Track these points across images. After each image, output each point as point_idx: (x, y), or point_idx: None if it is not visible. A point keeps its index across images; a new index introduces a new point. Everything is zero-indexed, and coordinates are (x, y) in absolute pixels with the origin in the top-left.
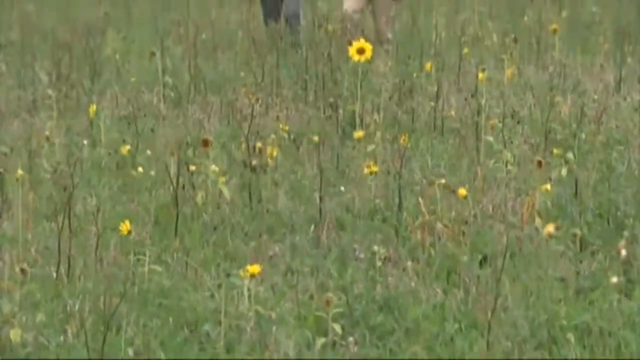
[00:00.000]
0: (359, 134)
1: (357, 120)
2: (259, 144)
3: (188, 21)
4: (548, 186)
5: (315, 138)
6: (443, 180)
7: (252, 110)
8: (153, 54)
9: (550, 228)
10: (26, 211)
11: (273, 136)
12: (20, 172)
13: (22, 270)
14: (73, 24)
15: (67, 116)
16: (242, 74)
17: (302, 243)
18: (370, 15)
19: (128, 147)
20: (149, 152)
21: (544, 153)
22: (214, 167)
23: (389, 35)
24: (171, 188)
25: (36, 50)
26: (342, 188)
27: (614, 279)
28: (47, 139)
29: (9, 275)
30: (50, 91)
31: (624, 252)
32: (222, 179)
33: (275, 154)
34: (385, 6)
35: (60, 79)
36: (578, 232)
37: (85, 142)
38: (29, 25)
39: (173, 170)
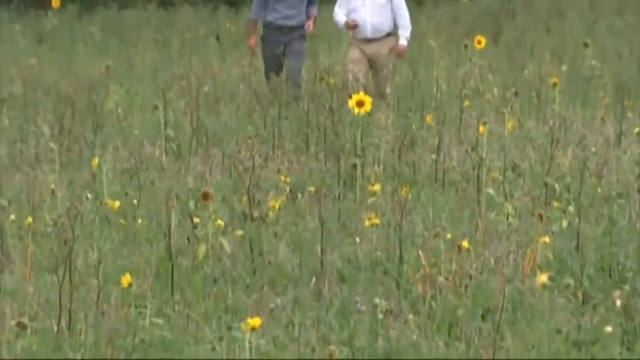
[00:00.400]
0: (360, 186)
1: (358, 173)
2: (260, 197)
3: (190, 74)
4: (549, 239)
5: (316, 190)
6: (445, 234)
7: (254, 163)
8: (155, 107)
9: (544, 278)
10: (27, 264)
11: (274, 188)
12: (21, 225)
13: (22, 324)
14: (75, 78)
15: (69, 169)
16: (244, 126)
17: (303, 295)
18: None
19: (130, 199)
20: (150, 204)
21: (545, 206)
22: (214, 220)
23: (388, 90)
24: (170, 241)
25: (39, 104)
26: (343, 241)
27: (609, 328)
28: (50, 192)
29: (10, 328)
30: (52, 144)
31: (618, 302)
32: (223, 232)
33: (276, 206)
34: (385, 63)
35: (63, 133)
36: (579, 285)
37: (87, 195)
38: (32, 80)
39: (174, 223)
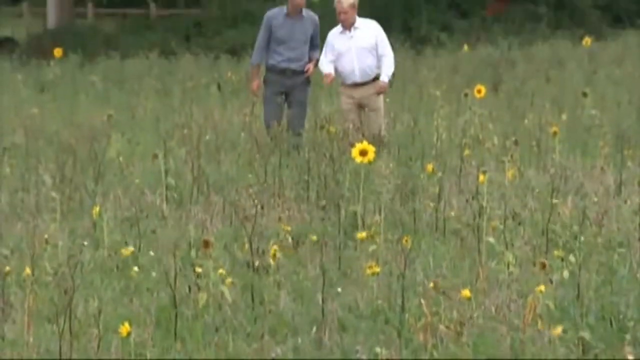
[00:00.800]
0: (361, 234)
1: (359, 221)
2: (261, 245)
3: (191, 123)
4: (549, 288)
5: (317, 239)
6: (446, 282)
7: (256, 211)
8: (156, 155)
9: (559, 330)
10: (28, 313)
11: (275, 237)
12: (22, 274)
13: None
14: (77, 127)
15: (70, 218)
16: (244, 174)
17: (304, 344)
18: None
19: (130, 249)
20: (151, 253)
21: (546, 255)
22: (216, 268)
23: (383, 132)
24: (174, 289)
25: (40, 153)
26: (344, 289)
27: None
28: (48, 241)
29: None
30: (53, 193)
31: (631, 358)
32: (226, 280)
33: (277, 254)
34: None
35: (64, 182)
36: (581, 335)
37: (87, 244)
38: (34, 129)
39: (174, 271)
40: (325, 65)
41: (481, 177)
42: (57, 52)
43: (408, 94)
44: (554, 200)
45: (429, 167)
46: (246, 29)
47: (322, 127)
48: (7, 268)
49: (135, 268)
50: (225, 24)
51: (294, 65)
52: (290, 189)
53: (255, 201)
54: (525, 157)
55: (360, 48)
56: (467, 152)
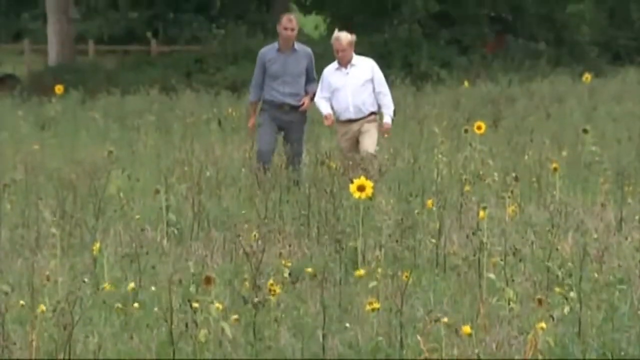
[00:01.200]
0: (360, 270)
1: (360, 257)
2: (261, 281)
3: (192, 159)
4: (550, 325)
5: (318, 274)
6: (445, 318)
7: (258, 248)
8: (157, 191)
9: None
10: (28, 350)
11: (275, 272)
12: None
13: None
14: (78, 163)
15: (70, 254)
16: (245, 210)
17: None
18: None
19: (130, 284)
20: (151, 289)
21: (546, 291)
22: (216, 305)
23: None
24: (170, 326)
25: (41, 189)
26: (344, 325)
27: None
28: (48, 278)
29: None
30: (54, 229)
31: None
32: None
33: (277, 290)
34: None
35: (64, 218)
36: None
37: (87, 280)
38: (34, 165)
39: (174, 307)
40: (323, 104)
41: (481, 213)
42: (58, 89)
43: (408, 130)
44: (555, 237)
45: (429, 202)
46: (246, 65)
47: (322, 163)
48: (6, 304)
49: (136, 304)
50: (225, 60)
51: (290, 100)
52: (291, 225)
53: (257, 237)
54: (525, 193)
55: (355, 85)
56: (467, 188)
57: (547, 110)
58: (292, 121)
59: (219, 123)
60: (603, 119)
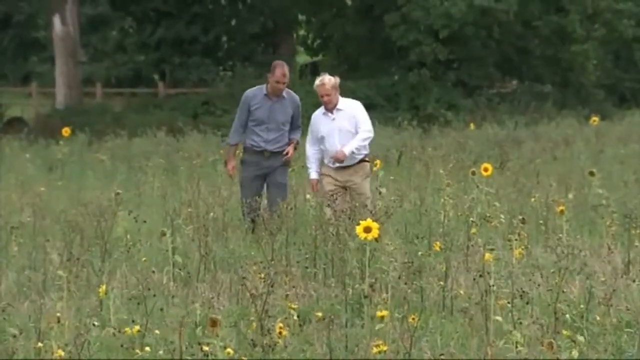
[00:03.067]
0: (367, 312)
1: (366, 299)
2: (268, 323)
3: (198, 201)
4: None
5: (324, 317)
6: None
7: (267, 290)
8: (163, 233)
9: None
10: None
11: (282, 315)
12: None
13: None
14: (84, 205)
15: (77, 296)
16: (251, 252)
17: None
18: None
19: (137, 327)
20: (157, 332)
21: (554, 334)
22: (223, 347)
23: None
24: None
25: (48, 231)
26: None
27: None
28: (58, 320)
29: None
30: (60, 272)
31: None
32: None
33: (284, 333)
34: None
35: (71, 260)
36: None
37: (94, 322)
38: (41, 207)
39: (180, 350)
40: (312, 163)
41: (488, 255)
42: (66, 131)
43: (415, 171)
44: (562, 280)
45: (436, 245)
46: None
47: (328, 205)
48: (14, 347)
49: (147, 348)
50: (232, 102)
51: (272, 147)
52: (297, 267)
53: (264, 278)
54: (532, 236)
55: (342, 130)
56: (474, 230)
57: (553, 153)
58: (273, 167)
59: (225, 164)
60: (610, 162)
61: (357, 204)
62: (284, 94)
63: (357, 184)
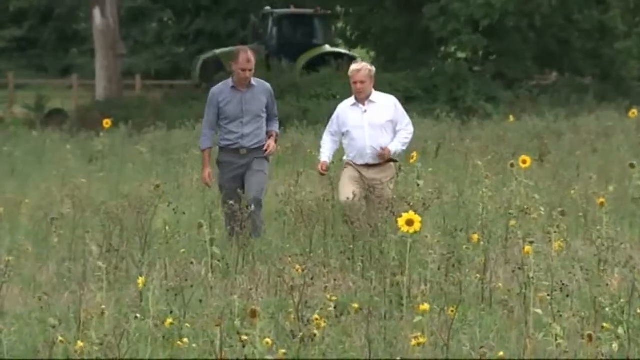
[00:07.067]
0: (406, 305)
1: (405, 291)
2: (306, 315)
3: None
4: None
5: (363, 309)
6: (493, 354)
7: (305, 281)
8: (200, 225)
9: None
10: None
11: (321, 306)
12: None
13: None
14: (124, 197)
15: (116, 288)
16: (289, 244)
17: None
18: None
19: (177, 318)
20: (196, 323)
21: (594, 327)
22: (262, 338)
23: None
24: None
25: (87, 223)
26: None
27: None
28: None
29: None
30: (100, 263)
31: None
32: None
33: (323, 324)
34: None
35: (111, 251)
36: None
37: (133, 313)
38: (81, 199)
39: (220, 341)
40: (326, 145)
41: (527, 248)
42: (106, 123)
43: (453, 164)
44: (602, 272)
45: (475, 237)
46: (289, 99)
47: (365, 197)
48: (55, 338)
49: (185, 340)
50: None
51: (247, 143)
52: (336, 259)
53: (304, 271)
54: (572, 228)
55: (374, 125)
56: (512, 222)
57: (593, 145)
58: (250, 163)
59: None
60: None
61: (370, 209)
62: (253, 82)
63: (382, 184)
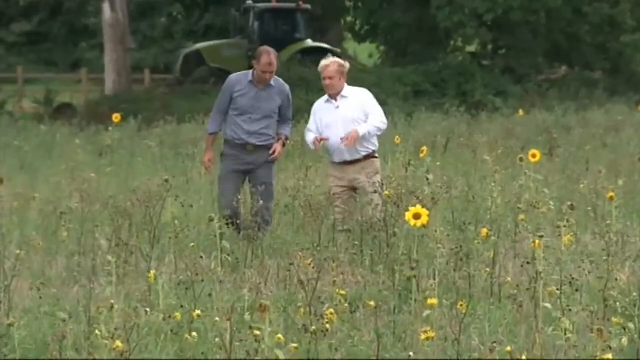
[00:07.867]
0: (415, 299)
1: (414, 285)
2: (316, 309)
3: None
4: (610, 356)
5: (372, 303)
6: (502, 348)
7: (317, 276)
8: (211, 219)
9: None
10: None
11: (330, 301)
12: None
13: None
14: (133, 191)
15: (126, 282)
16: (299, 238)
17: None
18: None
19: (189, 312)
20: (206, 317)
21: (604, 321)
22: (272, 333)
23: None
24: (230, 354)
25: (97, 217)
26: (399, 354)
27: None
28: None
29: None
30: (110, 257)
31: None
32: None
33: (332, 318)
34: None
35: (120, 245)
36: None
37: (143, 307)
38: (90, 193)
39: (230, 335)
40: (310, 135)
41: (537, 242)
42: (116, 117)
43: (462, 158)
44: (612, 266)
45: (484, 231)
46: (300, 94)
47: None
48: (64, 332)
49: (194, 334)
50: None
51: (255, 140)
52: (345, 253)
53: (313, 265)
54: (581, 223)
55: (347, 120)
56: (522, 216)
57: (603, 140)
58: (257, 162)
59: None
60: None
61: (362, 215)
62: (272, 82)
63: (365, 183)
